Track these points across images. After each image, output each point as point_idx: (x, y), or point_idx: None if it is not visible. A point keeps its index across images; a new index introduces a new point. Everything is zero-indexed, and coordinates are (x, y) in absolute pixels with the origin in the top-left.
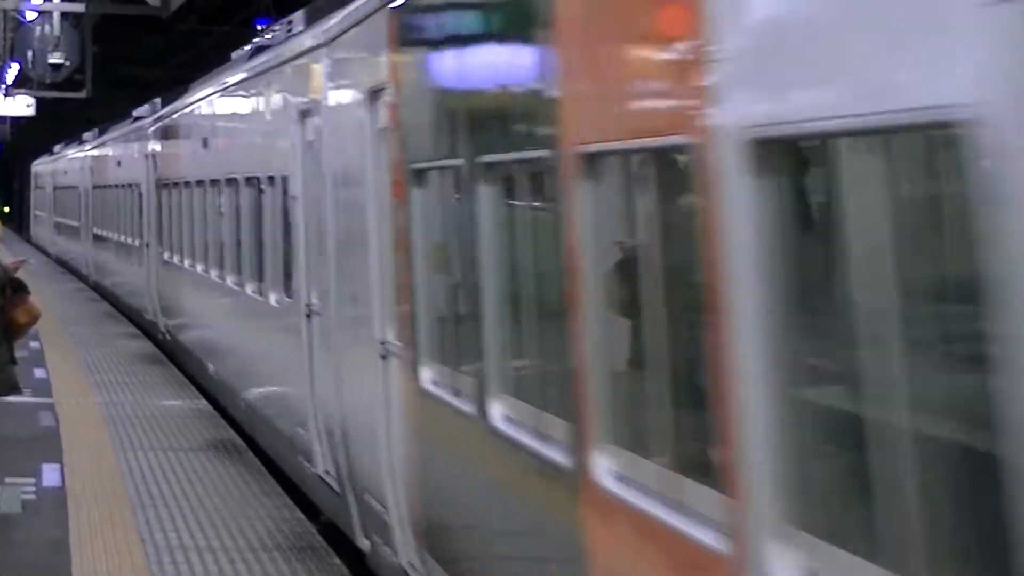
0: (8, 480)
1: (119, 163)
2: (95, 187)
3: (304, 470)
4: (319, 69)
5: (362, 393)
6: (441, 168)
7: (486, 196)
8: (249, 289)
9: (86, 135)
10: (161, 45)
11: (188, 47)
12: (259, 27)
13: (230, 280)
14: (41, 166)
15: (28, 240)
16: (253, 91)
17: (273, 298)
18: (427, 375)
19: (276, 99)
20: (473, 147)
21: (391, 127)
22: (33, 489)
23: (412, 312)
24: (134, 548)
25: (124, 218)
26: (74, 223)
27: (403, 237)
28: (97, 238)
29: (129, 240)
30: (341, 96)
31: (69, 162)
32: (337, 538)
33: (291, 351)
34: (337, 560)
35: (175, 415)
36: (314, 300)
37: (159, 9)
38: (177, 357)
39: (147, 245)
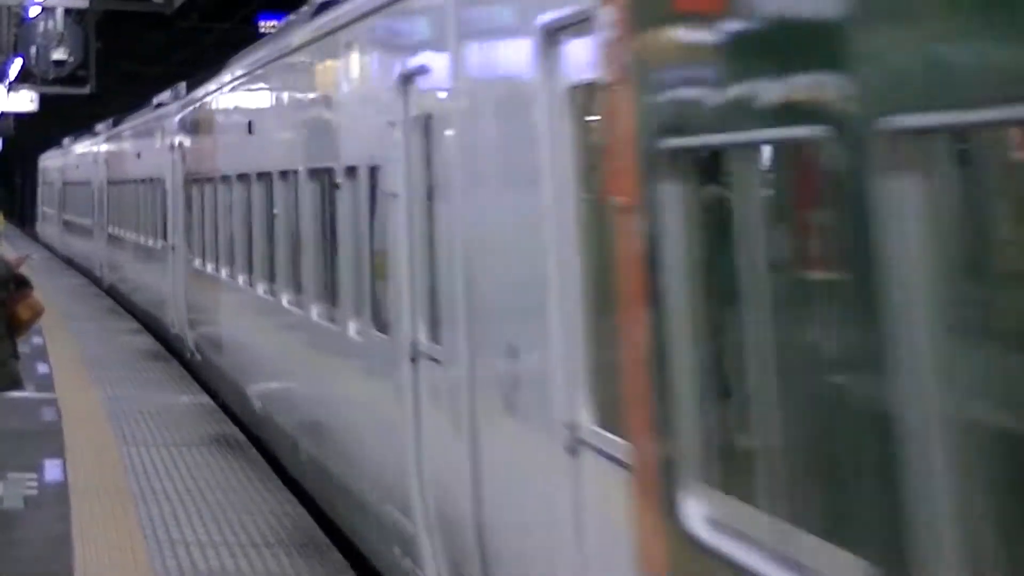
0: (10, 475)
1: (139, 156)
2: (110, 183)
3: (400, 564)
4: (438, 10)
5: (526, 497)
6: (753, 144)
7: (918, 191)
8: (315, 313)
9: (99, 126)
10: (163, 41)
11: (190, 43)
12: (261, 23)
13: (285, 299)
14: (49, 160)
15: (34, 238)
16: (321, 57)
17: (353, 329)
18: (699, 511)
19: (359, 63)
20: (872, 98)
21: (611, 81)
22: (35, 484)
23: (660, 390)
24: (136, 543)
25: (144, 217)
26: (86, 221)
27: (638, 261)
28: (112, 238)
29: (150, 242)
30: (480, 44)
31: (80, 156)
32: (337, 533)
33: (381, 403)
34: (338, 555)
35: (177, 410)
36: (423, 339)
37: (162, 6)
38: (210, 382)
39: (172, 249)
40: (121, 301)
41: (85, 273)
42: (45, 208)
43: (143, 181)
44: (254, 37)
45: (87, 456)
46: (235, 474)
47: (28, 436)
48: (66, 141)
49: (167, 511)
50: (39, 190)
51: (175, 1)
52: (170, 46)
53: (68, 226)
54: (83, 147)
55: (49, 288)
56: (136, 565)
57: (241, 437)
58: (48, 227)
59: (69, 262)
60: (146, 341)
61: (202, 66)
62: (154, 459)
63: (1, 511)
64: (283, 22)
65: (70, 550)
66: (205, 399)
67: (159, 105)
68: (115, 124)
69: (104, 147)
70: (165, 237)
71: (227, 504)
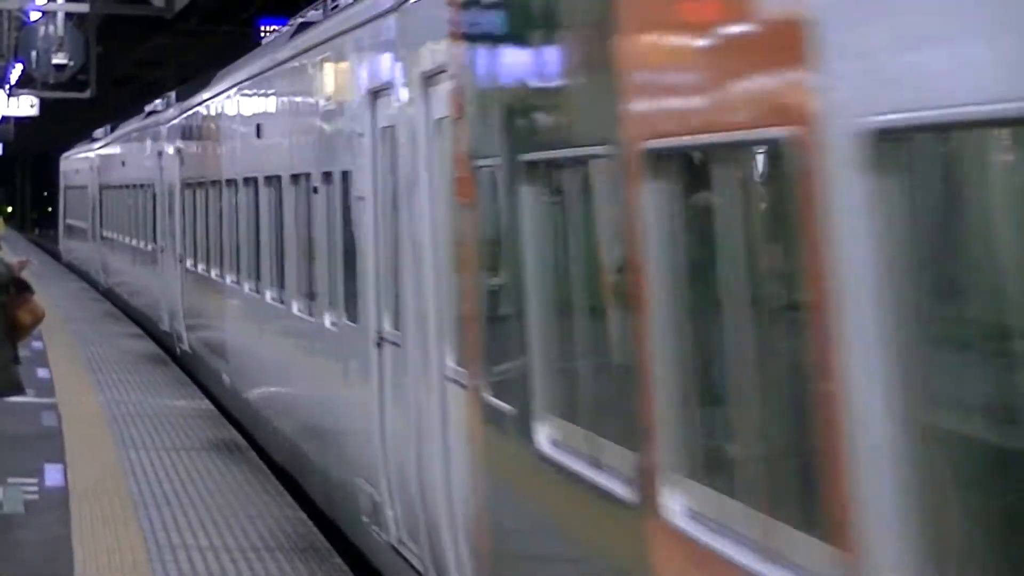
0: (11, 480)
1: (259, 131)
2: (190, 185)
3: None
4: None
5: None
6: None
7: None
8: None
9: (155, 104)
10: (164, 45)
11: (191, 47)
12: (262, 27)
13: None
14: (77, 160)
15: (54, 257)
16: None
17: None
18: None
19: None
20: None
21: None
22: (35, 489)
23: None
24: (136, 547)
25: (285, 254)
26: (142, 245)
27: None
28: (196, 279)
29: (299, 309)
30: None
31: (128, 150)
32: (339, 537)
33: None
34: (338, 559)
35: (177, 414)
36: None
37: (163, 9)
38: None
39: (382, 342)
40: (214, 390)
41: (140, 319)
42: (71, 221)
43: (277, 179)
44: (255, 41)
45: (87, 460)
46: (235, 478)
47: (28, 440)
48: (100, 132)
49: (167, 515)
50: (62, 197)
51: (175, 5)
52: (171, 49)
53: (112, 248)
54: (131, 138)
55: (49, 292)
56: (136, 569)
57: (241, 441)
58: (77, 245)
59: (108, 295)
60: (146, 345)
61: (203, 70)
62: (154, 463)
63: (2, 515)
64: None
65: (70, 554)
66: (205, 403)
67: (305, 26)
68: (182, 97)
69: (172, 136)
70: (351, 308)
71: (227, 508)
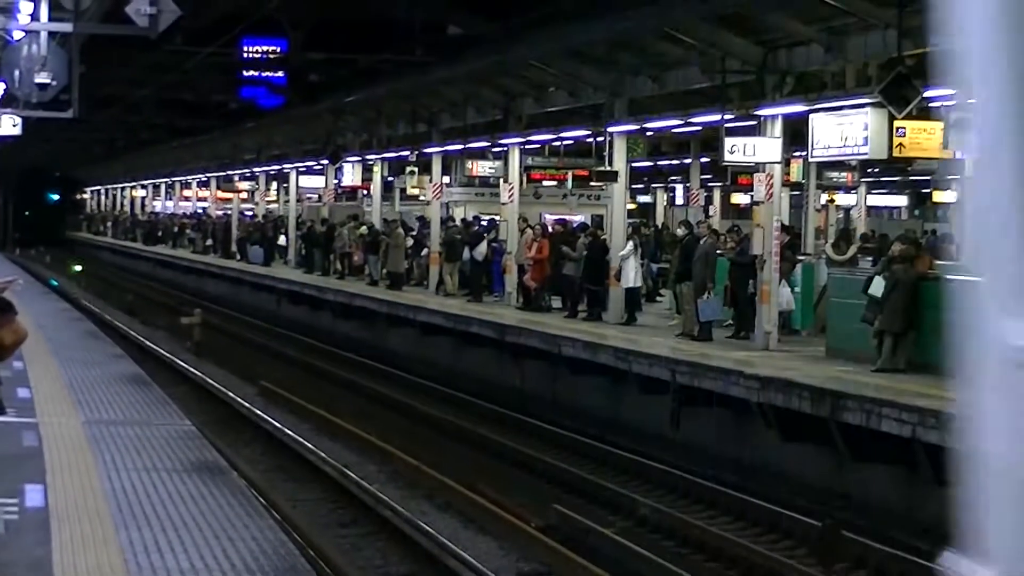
0: None
1: None
2: None
3: None
4: None
5: None
6: None
7: None
8: None
9: None
10: (148, 65)
11: (174, 67)
12: (245, 48)
13: None
14: None
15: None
16: None
17: None
18: None
19: None
20: None
21: None
22: (16, 509)
23: None
24: (117, 568)
25: None
26: None
27: None
28: None
29: None
30: None
31: None
32: (319, 563)
33: None
34: None
35: (159, 436)
36: None
37: (147, 29)
38: None
39: None
40: None
41: None
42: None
43: None
44: (238, 61)
45: (68, 481)
46: (217, 500)
47: (9, 461)
48: None
49: (148, 536)
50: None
51: (159, 25)
52: (154, 69)
53: None
54: None
55: (32, 312)
56: None
57: (223, 463)
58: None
59: None
60: (127, 366)
61: (187, 89)
62: (135, 484)
63: None
64: None
65: (50, 575)
66: (187, 425)
67: None
68: None
69: None
70: None
71: (209, 530)
